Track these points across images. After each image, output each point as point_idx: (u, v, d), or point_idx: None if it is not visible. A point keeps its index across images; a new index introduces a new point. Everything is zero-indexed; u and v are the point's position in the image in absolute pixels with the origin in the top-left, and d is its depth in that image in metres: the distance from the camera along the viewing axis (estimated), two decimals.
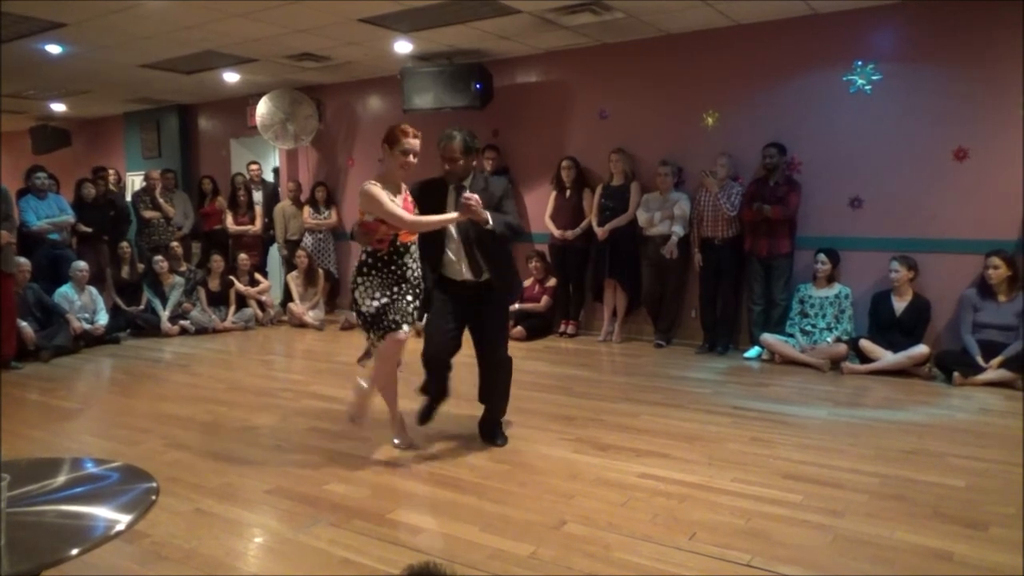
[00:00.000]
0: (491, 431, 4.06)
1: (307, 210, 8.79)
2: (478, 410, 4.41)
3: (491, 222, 3.64)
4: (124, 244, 8.06)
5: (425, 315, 3.93)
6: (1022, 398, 4.85)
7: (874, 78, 6.00)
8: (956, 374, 5.23)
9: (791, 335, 6.03)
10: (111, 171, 9.60)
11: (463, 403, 4.35)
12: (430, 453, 3.86)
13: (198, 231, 9.19)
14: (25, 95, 9.48)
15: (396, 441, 3.96)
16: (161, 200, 8.79)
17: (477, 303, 3.88)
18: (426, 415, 4.09)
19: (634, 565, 2.63)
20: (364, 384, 3.79)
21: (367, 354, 3.97)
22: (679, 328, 6.93)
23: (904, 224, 5.94)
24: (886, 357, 5.52)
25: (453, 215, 3.65)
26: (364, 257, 3.73)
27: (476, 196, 3.60)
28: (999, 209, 5.59)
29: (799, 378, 5.50)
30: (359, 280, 3.72)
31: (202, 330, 7.79)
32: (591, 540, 2.82)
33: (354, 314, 3.84)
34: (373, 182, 3.61)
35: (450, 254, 3.85)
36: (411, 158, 3.63)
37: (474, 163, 3.87)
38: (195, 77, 8.48)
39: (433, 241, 3.84)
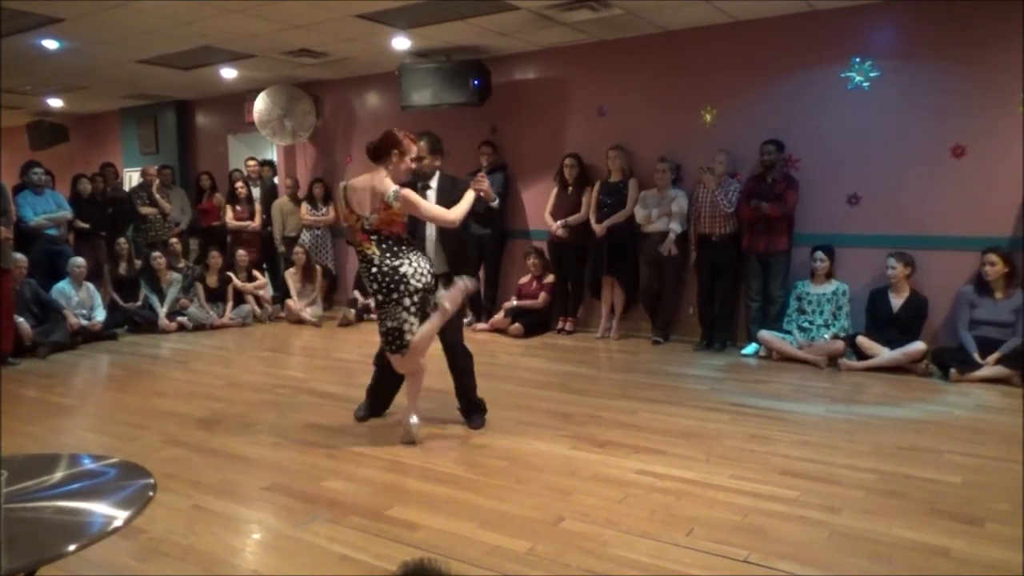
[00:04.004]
0: (472, 412, 4.33)
1: (305, 207, 8.78)
2: None
3: (496, 200, 4.16)
4: (121, 240, 8.05)
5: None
6: (1021, 395, 4.85)
7: (872, 75, 6.00)
8: (953, 371, 5.24)
9: (789, 332, 6.03)
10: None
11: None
12: (428, 449, 3.86)
13: (196, 227, 9.18)
14: (22, 90, 9.45)
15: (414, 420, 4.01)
16: (158, 196, 8.78)
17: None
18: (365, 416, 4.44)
19: (631, 561, 2.64)
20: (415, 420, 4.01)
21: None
22: (677, 325, 6.94)
23: (901, 221, 5.94)
24: (883, 354, 5.53)
25: (472, 195, 3.95)
26: (393, 239, 3.80)
27: (484, 175, 4.08)
28: (997, 206, 5.59)
29: (796, 375, 5.51)
30: (416, 251, 3.86)
31: (200, 326, 7.78)
32: (588, 536, 2.83)
33: (419, 294, 3.83)
34: (398, 186, 3.75)
35: (429, 249, 4.15)
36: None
37: (438, 163, 4.22)
38: (192, 73, 8.46)
39: (416, 236, 4.12)
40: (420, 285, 3.78)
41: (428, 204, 3.86)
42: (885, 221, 6.01)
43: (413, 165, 3.91)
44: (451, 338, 4.20)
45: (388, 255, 3.77)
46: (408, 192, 3.76)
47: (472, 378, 4.34)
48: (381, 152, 3.82)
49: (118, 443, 4.06)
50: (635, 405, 4.70)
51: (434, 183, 4.18)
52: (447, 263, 4.15)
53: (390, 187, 3.73)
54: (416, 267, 3.78)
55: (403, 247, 3.82)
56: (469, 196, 3.93)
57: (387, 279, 3.76)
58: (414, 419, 3.97)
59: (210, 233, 8.99)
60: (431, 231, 4.14)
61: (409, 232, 3.93)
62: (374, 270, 3.78)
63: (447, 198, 4.04)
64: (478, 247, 7.57)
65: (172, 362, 6.40)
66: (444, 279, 4.08)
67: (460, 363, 4.27)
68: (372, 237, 3.79)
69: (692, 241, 6.63)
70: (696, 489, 3.29)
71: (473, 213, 4.01)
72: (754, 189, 6.17)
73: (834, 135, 6.17)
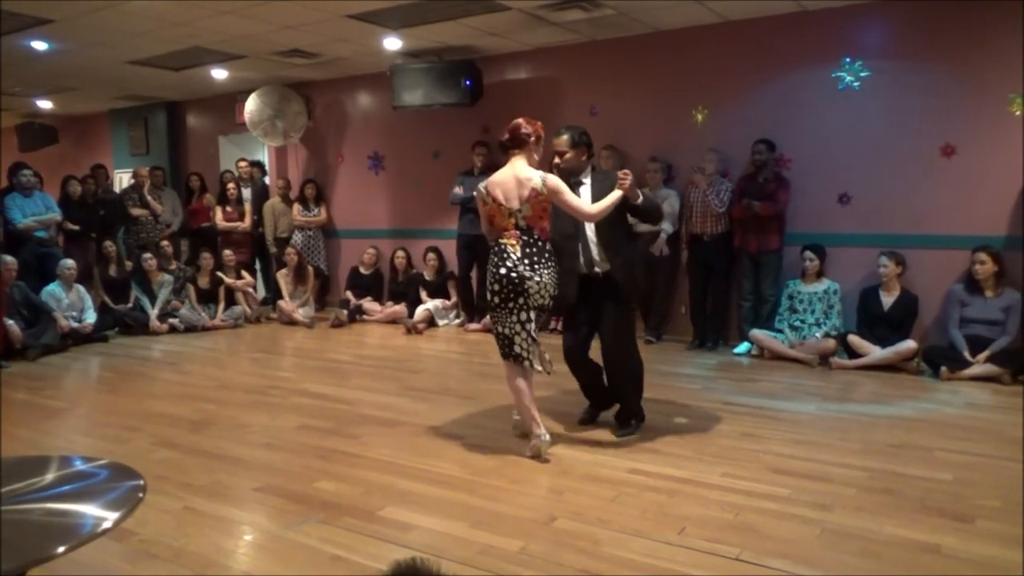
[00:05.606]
0: (622, 420, 4.14)
1: (296, 207, 8.77)
2: (477, 408, 4.42)
3: (641, 197, 3.84)
4: (108, 243, 7.97)
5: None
6: (1021, 393, 4.86)
7: (862, 75, 6.03)
8: (943, 369, 5.26)
9: (780, 331, 6.05)
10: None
11: (459, 401, 4.35)
12: (421, 450, 3.85)
13: (186, 229, 9.15)
14: (11, 92, 9.40)
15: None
16: (149, 197, 8.74)
17: (600, 297, 3.99)
18: (588, 418, 4.31)
19: (624, 560, 2.64)
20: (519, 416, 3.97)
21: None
22: (669, 324, 6.95)
23: (892, 220, 5.98)
24: (874, 352, 5.55)
25: (617, 194, 3.72)
26: (541, 243, 3.68)
27: (628, 172, 3.75)
28: (986, 205, 5.63)
29: (788, 373, 5.52)
30: (552, 266, 3.69)
31: (191, 328, 7.75)
32: (581, 535, 2.83)
33: (535, 311, 3.69)
34: (547, 175, 3.65)
35: (580, 248, 3.95)
36: None
37: (584, 157, 3.99)
38: (183, 74, 8.43)
39: (571, 236, 3.93)
40: (539, 302, 3.66)
41: (571, 194, 3.68)
42: (876, 220, 6.04)
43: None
44: (611, 343, 4.02)
45: (526, 261, 3.62)
46: (554, 178, 3.65)
47: (638, 386, 4.15)
48: (519, 140, 3.70)
49: (109, 445, 4.04)
50: None
51: (587, 179, 3.97)
52: (608, 261, 3.94)
53: (535, 173, 3.63)
54: (542, 283, 3.64)
55: (544, 257, 3.67)
56: (613, 195, 3.71)
57: (512, 285, 3.62)
58: (544, 435, 3.70)
59: (200, 234, 8.96)
60: (591, 233, 3.93)
61: (572, 228, 3.86)
62: (503, 271, 3.63)
63: (602, 195, 3.83)
64: (469, 248, 7.57)
65: (163, 364, 6.38)
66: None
67: (624, 370, 4.09)
68: (523, 237, 3.64)
69: (684, 240, 6.64)
70: (688, 488, 3.30)
71: (637, 210, 3.90)
72: (745, 188, 6.19)
73: (825, 135, 6.19)
